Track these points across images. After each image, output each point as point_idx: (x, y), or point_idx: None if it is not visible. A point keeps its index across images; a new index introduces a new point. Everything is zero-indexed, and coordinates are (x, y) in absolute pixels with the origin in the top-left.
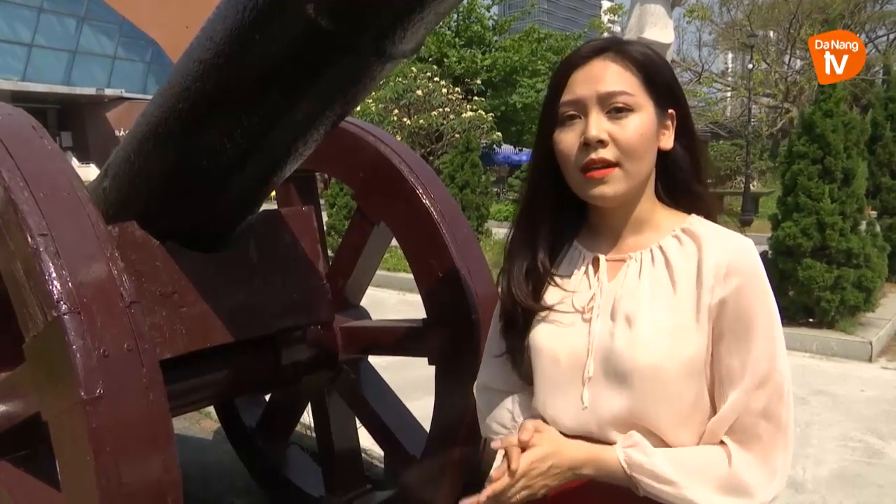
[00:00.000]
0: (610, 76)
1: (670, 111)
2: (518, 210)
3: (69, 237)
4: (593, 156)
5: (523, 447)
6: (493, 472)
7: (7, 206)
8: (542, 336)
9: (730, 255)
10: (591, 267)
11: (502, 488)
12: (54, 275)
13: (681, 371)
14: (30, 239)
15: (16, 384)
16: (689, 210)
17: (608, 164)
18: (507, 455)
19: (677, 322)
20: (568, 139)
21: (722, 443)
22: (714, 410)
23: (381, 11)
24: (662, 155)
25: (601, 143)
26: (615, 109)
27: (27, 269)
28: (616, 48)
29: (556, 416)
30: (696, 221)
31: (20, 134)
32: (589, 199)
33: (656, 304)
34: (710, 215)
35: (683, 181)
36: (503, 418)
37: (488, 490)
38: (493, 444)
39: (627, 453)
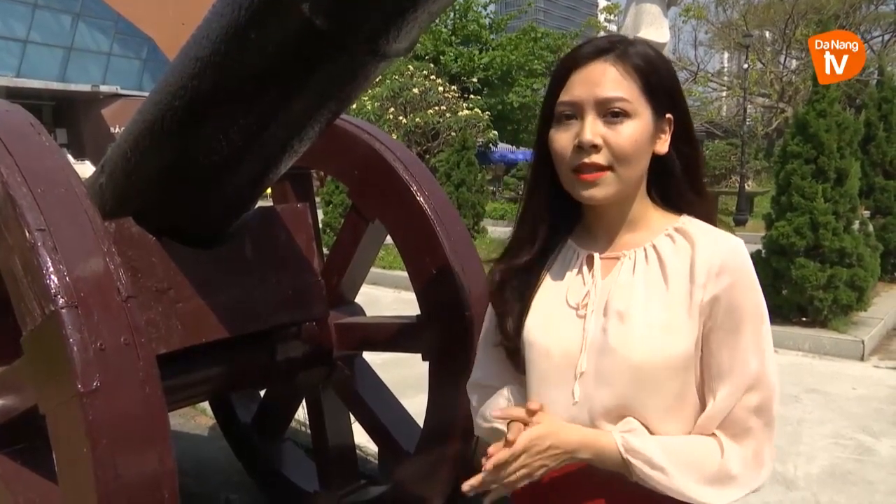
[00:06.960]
0: (609, 81)
1: (668, 116)
2: (520, 207)
3: (67, 232)
4: (586, 160)
5: (530, 413)
6: (491, 448)
7: (5, 202)
8: (536, 331)
9: (722, 254)
10: (585, 264)
11: (503, 459)
12: (52, 269)
13: (671, 366)
14: (28, 234)
15: (13, 378)
16: (682, 212)
17: (600, 168)
18: (508, 427)
19: (670, 318)
20: (563, 139)
21: (713, 435)
22: (701, 402)
23: (375, 11)
24: (657, 158)
25: (594, 148)
26: (611, 114)
27: (25, 263)
28: (618, 51)
29: (547, 410)
30: (688, 221)
31: (18, 131)
32: (580, 199)
33: (649, 301)
34: (706, 218)
35: (677, 186)
36: (500, 406)
37: (489, 463)
38: (494, 414)
39: (625, 437)
